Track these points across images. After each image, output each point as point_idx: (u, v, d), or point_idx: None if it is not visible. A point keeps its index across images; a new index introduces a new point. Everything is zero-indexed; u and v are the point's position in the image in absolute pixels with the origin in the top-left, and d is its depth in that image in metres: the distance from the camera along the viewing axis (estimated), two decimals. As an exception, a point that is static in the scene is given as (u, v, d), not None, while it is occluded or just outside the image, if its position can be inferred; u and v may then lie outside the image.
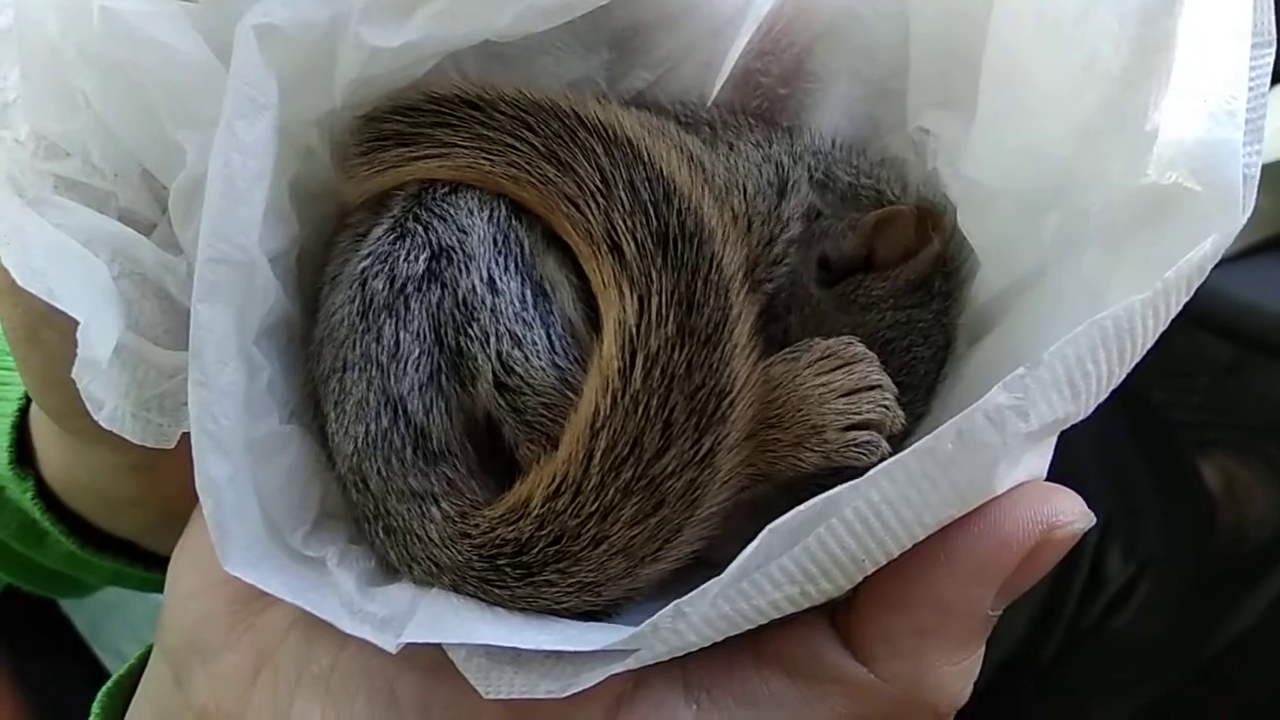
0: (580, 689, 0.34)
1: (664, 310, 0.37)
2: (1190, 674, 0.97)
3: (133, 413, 0.40)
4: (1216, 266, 0.33)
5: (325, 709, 0.38)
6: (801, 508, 0.33)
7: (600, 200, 0.38)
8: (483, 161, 0.40)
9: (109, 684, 0.49)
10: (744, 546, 0.33)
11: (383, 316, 0.39)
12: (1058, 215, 0.39)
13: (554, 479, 0.37)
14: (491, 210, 0.40)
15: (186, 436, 0.38)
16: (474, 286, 0.38)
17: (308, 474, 0.42)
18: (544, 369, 0.39)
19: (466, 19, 0.40)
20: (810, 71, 0.49)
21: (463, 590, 0.39)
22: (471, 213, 0.40)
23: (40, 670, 0.84)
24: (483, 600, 0.38)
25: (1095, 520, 0.35)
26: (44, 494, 0.57)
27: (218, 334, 0.37)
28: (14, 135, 0.40)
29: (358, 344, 0.39)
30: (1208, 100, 0.33)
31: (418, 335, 0.38)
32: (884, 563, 0.34)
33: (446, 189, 0.41)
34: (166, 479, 0.51)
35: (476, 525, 0.38)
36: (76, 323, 0.37)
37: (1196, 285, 0.33)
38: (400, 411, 0.39)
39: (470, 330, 0.38)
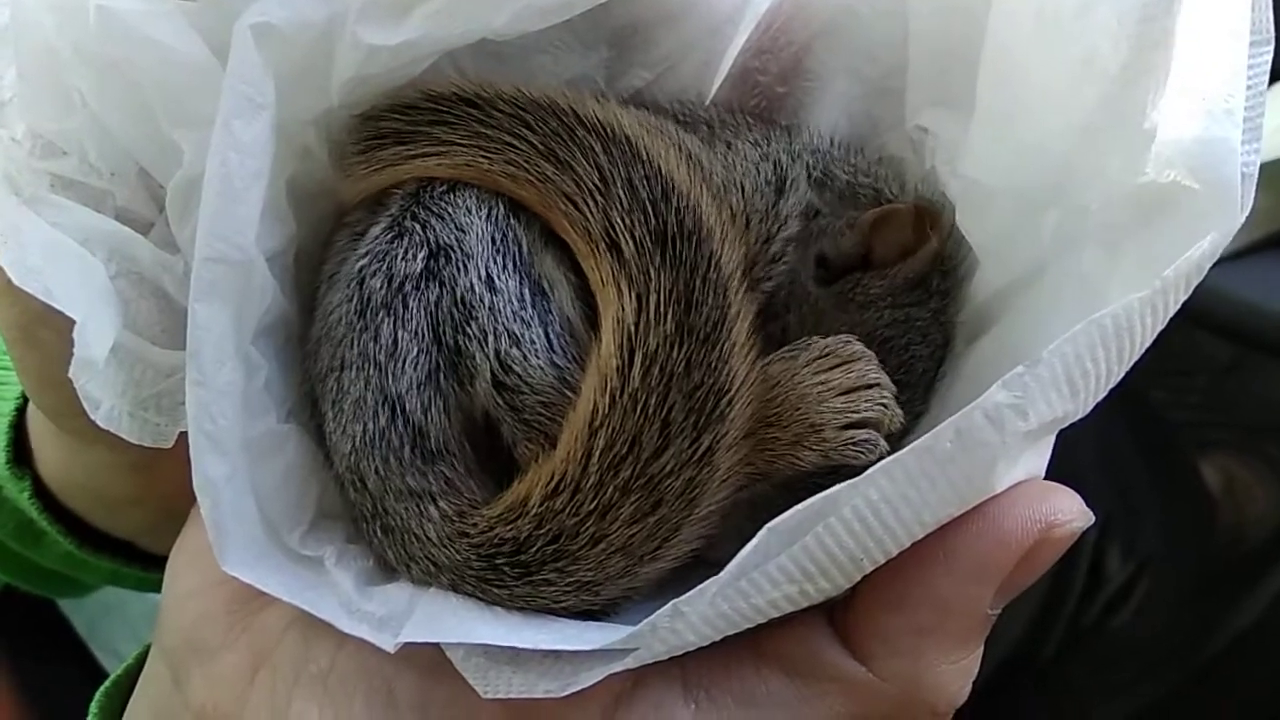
0: (579, 688, 0.34)
1: (662, 308, 0.37)
2: (1190, 673, 0.97)
3: (130, 412, 0.39)
4: (1215, 265, 0.33)
5: (323, 709, 0.38)
6: (800, 506, 0.33)
7: (598, 198, 0.38)
8: (481, 160, 0.40)
9: (107, 684, 0.49)
10: (743, 545, 0.33)
11: (381, 315, 0.39)
12: (1056, 213, 0.39)
13: (552, 478, 0.37)
14: (490, 208, 0.40)
15: (184, 436, 0.38)
16: (472, 285, 0.38)
17: (305, 473, 0.42)
18: (542, 368, 0.39)
19: (464, 17, 0.40)
20: (809, 70, 0.49)
21: (461, 589, 0.39)
22: (470, 211, 0.40)
23: (38, 670, 0.84)
24: (481, 599, 0.38)
25: (1094, 519, 0.35)
26: (41, 493, 0.57)
27: (215, 333, 0.37)
28: (11, 134, 0.40)
29: (355, 343, 0.39)
30: (1206, 98, 0.33)
31: (416, 334, 0.38)
32: (882, 562, 0.33)
33: (444, 187, 0.41)
34: (164, 478, 0.50)
35: (475, 524, 0.38)
36: (73, 322, 0.37)
37: (1195, 284, 0.33)
38: (398, 410, 0.39)
39: (468, 329, 0.38)
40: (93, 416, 0.38)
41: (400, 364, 0.38)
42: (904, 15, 0.45)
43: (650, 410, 0.36)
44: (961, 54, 0.42)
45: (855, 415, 0.38)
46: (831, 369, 0.39)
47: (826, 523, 0.33)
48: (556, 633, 0.36)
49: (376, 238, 0.40)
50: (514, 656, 0.36)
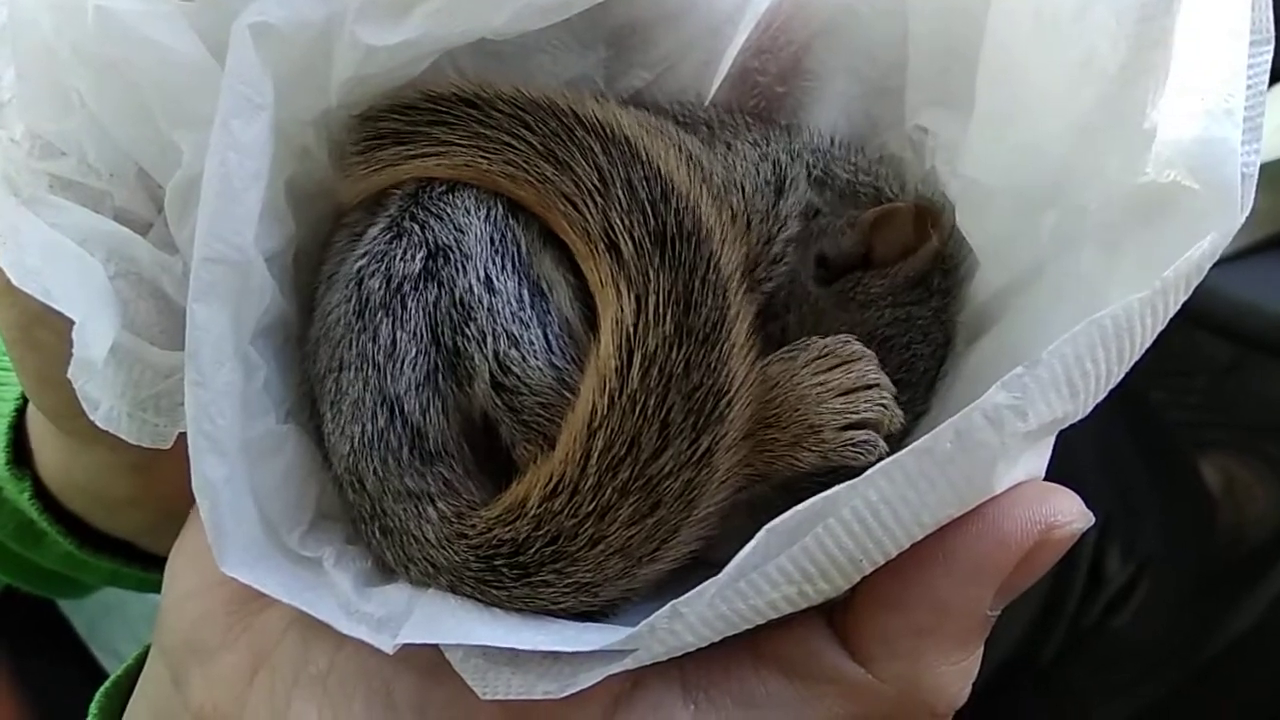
0: (578, 689, 0.34)
1: (661, 309, 0.37)
2: (1190, 674, 0.97)
3: (129, 413, 0.39)
4: (1215, 265, 0.33)
5: (322, 710, 0.38)
6: (799, 507, 0.33)
7: (598, 199, 0.38)
8: (480, 160, 0.40)
9: (107, 684, 0.49)
10: (742, 547, 0.33)
11: (379, 316, 0.39)
12: (1056, 214, 0.39)
13: (551, 479, 0.37)
14: (489, 209, 0.40)
15: (183, 436, 0.38)
16: (471, 286, 0.38)
17: (304, 474, 0.42)
18: (541, 369, 0.38)
19: (463, 17, 0.40)
20: (808, 69, 0.49)
21: (460, 591, 0.39)
22: (468, 211, 0.40)
23: (38, 670, 0.84)
24: (480, 601, 0.38)
25: (1094, 520, 0.35)
26: (41, 494, 0.57)
27: (214, 334, 0.37)
28: (9, 134, 0.40)
29: (354, 343, 0.39)
30: (1206, 98, 0.33)
31: (414, 335, 0.38)
32: (882, 563, 0.33)
33: (443, 188, 0.40)
34: (163, 479, 0.50)
35: (473, 525, 0.38)
36: (72, 322, 0.37)
37: (1195, 284, 0.33)
38: (397, 411, 0.38)
39: (467, 330, 0.38)
40: (92, 417, 0.38)
41: (399, 365, 0.38)
42: (903, 15, 0.45)
43: (649, 411, 0.36)
44: (961, 54, 0.42)
45: (854, 416, 0.38)
46: (831, 369, 0.39)
47: (826, 524, 0.33)
48: (555, 634, 0.36)
49: (375, 238, 0.40)
50: (513, 658, 0.35)
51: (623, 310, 0.37)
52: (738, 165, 0.45)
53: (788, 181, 0.45)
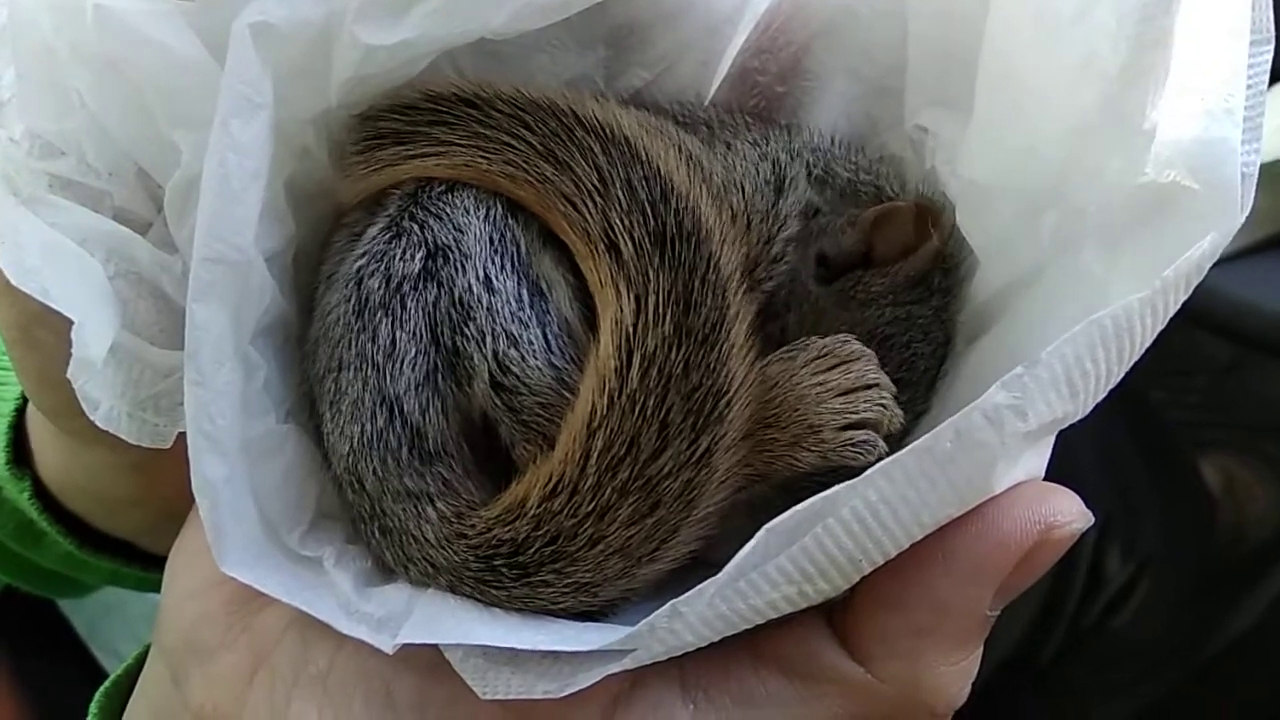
0: (577, 689, 0.34)
1: (661, 310, 0.37)
2: (1190, 674, 0.97)
3: (129, 412, 0.39)
4: (1215, 265, 0.33)
5: (322, 709, 0.38)
6: (799, 507, 0.33)
7: (597, 199, 0.38)
8: (480, 160, 0.40)
9: (107, 684, 0.49)
10: (742, 546, 0.33)
11: (378, 316, 0.39)
12: (1055, 214, 0.39)
13: (550, 479, 0.37)
14: (488, 209, 0.40)
15: (183, 436, 0.38)
16: (470, 285, 0.38)
17: (304, 473, 0.42)
18: (540, 369, 0.38)
19: (462, 16, 0.40)
20: (808, 70, 0.49)
21: (459, 591, 0.39)
22: (468, 211, 0.40)
23: (38, 670, 0.84)
24: (479, 601, 0.38)
25: (1094, 520, 0.35)
26: (41, 494, 0.57)
27: (214, 334, 0.37)
28: (9, 134, 0.40)
29: (353, 343, 0.39)
30: (1206, 99, 0.33)
31: (414, 334, 0.38)
32: (881, 563, 0.33)
33: (443, 187, 0.41)
34: (163, 479, 0.50)
35: (473, 525, 0.38)
36: (72, 322, 0.37)
37: (1195, 284, 0.33)
38: (396, 411, 0.38)
39: (466, 330, 0.38)
40: (91, 417, 0.38)
41: (398, 364, 0.38)
42: (903, 15, 0.45)
43: (648, 411, 0.36)
44: (961, 55, 0.42)
45: (854, 416, 0.38)
46: (830, 369, 0.39)
47: (825, 524, 0.33)
48: (555, 634, 0.36)
49: (374, 238, 0.40)
50: (512, 657, 0.35)
51: (622, 310, 0.37)
52: (737, 165, 0.45)
53: (787, 181, 0.45)
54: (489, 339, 0.38)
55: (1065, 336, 0.32)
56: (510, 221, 0.40)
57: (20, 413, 0.57)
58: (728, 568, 0.33)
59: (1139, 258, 0.34)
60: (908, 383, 0.44)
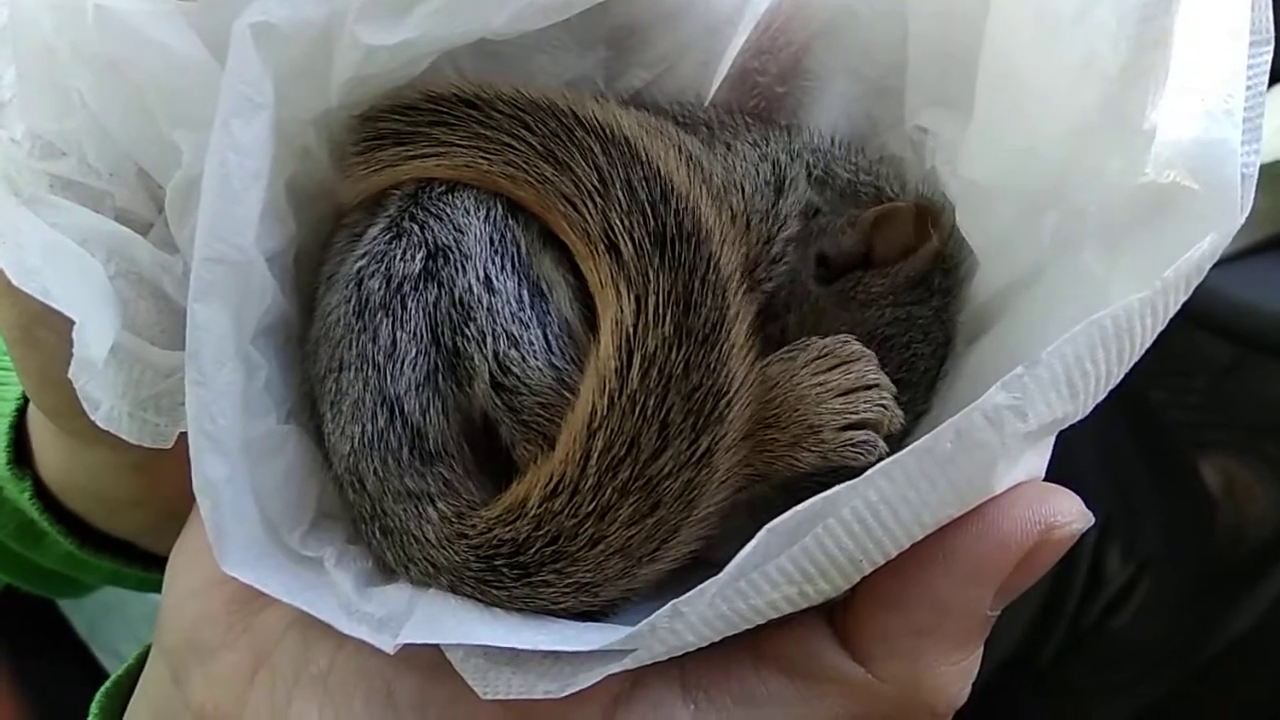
0: (578, 689, 0.34)
1: (661, 310, 0.37)
2: (1190, 674, 0.97)
3: (129, 413, 0.39)
4: (1215, 266, 0.33)
5: (323, 709, 0.38)
6: (799, 507, 0.33)
7: (597, 199, 0.38)
8: (480, 160, 0.40)
9: (107, 684, 0.49)
10: (742, 546, 0.33)
11: (379, 316, 0.39)
12: (1055, 215, 0.39)
13: (551, 479, 0.37)
14: (488, 209, 0.40)
15: (184, 436, 0.38)
16: (470, 286, 0.38)
17: (305, 473, 0.42)
18: (541, 369, 0.38)
19: (463, 17, 0.40)
20: (808, 70, 0.49)
21: (460, 591, 0.39)
22: (468, 212, 0.40)
23: (39, 670, 0.84)
24: (480, 601, 0.38)
25: (1094, 520, 0.35)
26: (42, 494, 0.57)
27: (215, 334, 0.37)
28: (10, 134, 0.40)
29: (354, 344, 0.39)
30: (1205, 99, 0.33)
31: (414, 335, 0.38)
32: (882, 563, 0.33)
33: (443, 188, 0.41)
34: (164, 479, 0.50)
35: (473, 526, 0.38)
36: (73, 322, 0.37)
37: (1195, 285, 0.33)
38: (397, 411, 0.39)
39: (467, 330, 0.38)
40: (92, 417, 0.38)
41: (398, 365, 0.38)
42: (903, 15, 0.45)
43: (649, 412, 0.36)
44: (961, 54, 0.42)
45: (854, 416, 0.38)
46: (830, 370, 0.39)
47: (826, 524, 0.33)
48: (555, 633, 0.36)
49: (375, 238, 0.40)
50: (513, 657, 0.35)
51: (622, 311, 0.37)
52: (737, 165, 0.45)
53: (787, 181, 0.45)
54: (489, 339, 0.38)
55: (1065, 337, 0.32)
56: (511, 222, 0.40)
57: (21, 413, 0.57)
58: (728, 568, 0.33)
59: (1139, 258, 0.34)
60: (908, 383, 0.44)
